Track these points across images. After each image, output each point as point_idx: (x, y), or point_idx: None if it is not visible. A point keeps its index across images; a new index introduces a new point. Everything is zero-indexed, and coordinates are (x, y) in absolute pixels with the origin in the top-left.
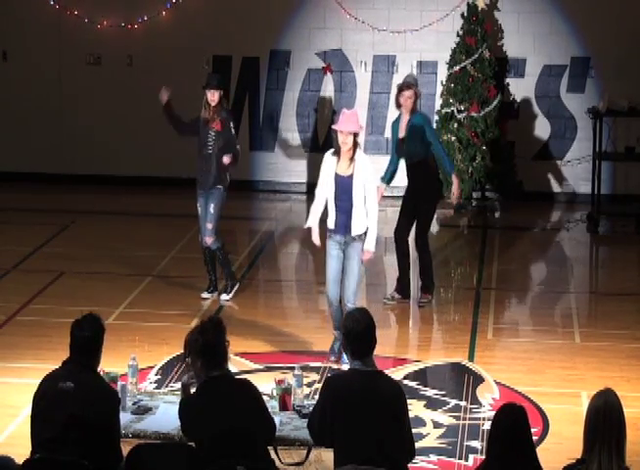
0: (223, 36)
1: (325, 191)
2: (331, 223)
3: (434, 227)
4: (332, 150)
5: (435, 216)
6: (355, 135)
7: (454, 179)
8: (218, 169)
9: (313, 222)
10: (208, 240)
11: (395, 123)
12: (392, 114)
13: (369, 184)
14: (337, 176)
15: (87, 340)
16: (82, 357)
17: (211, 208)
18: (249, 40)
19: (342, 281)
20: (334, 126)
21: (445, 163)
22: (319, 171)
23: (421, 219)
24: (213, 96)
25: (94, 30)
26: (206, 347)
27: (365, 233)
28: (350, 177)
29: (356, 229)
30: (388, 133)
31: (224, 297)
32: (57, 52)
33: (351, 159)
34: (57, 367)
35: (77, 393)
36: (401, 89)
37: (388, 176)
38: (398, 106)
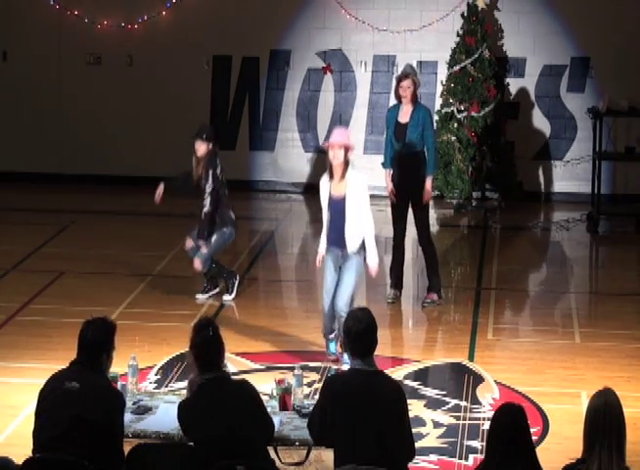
0: (223, 36)
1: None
2: (327, 240)
3: (434, 227)
4: (325, 174)
5: (435, 216)
6: (346, 151)
7: (428, 180)
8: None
9: (322, 249)
10: (197, 263)
11: (392, 111)
12: None
13: (364, 205)
14: (330, 199)
15: (94, 342)
16: (89, 358)
17: (213, 239)
18: (249, 40)
19: (335, 292)
20: (323, 143)
21: (431, 162)
22: (319, 171)
23: (419, 214)
24: (199, 147)
25: (94, 30)
26: (197, 348)
27: (362, 248)
28: (343, 199)
29: (351, 247)
30: None
31: (226, 297)
32: (57, 52)
33: (343, 176)
34: (63, 367)
35: (82, 393)
36: (400, 80)
37: (390, 161)
38: (399, 98)
